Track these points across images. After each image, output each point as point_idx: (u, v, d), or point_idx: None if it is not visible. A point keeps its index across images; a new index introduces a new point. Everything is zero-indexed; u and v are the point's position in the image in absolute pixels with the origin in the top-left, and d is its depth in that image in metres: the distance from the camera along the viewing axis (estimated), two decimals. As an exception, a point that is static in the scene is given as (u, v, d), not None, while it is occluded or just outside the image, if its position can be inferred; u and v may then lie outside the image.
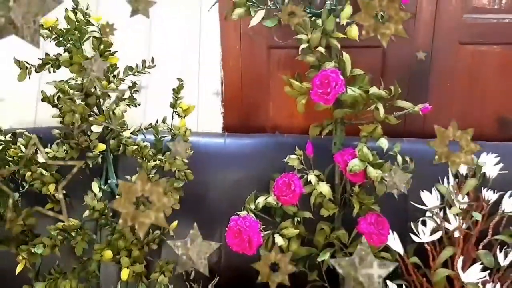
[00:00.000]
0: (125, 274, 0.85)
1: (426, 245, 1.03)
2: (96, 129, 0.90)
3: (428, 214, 1.04)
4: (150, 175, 0.93)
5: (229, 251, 1.05)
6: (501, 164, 1.04)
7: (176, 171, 0.96)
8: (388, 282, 1.05)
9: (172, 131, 1.03)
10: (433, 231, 1.02)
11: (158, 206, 0.48)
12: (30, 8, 0.43)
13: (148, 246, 0.93)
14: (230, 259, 1.16)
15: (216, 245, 0.56)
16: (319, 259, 1.01)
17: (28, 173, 0.86)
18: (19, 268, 0.83)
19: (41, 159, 0.89)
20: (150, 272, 0.96)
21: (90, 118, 0.90)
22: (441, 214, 1.05)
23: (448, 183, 1.05)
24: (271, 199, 1.02)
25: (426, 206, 1.03)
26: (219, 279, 1.08)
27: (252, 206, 1.02)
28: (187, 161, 0.97)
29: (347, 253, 1.05)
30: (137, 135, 1.01)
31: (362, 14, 0.56)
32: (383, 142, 1.01)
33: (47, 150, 0.90)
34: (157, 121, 1.05)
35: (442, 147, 0.62)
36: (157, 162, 0.92)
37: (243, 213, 0.99)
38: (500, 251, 1.01)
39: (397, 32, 0.56)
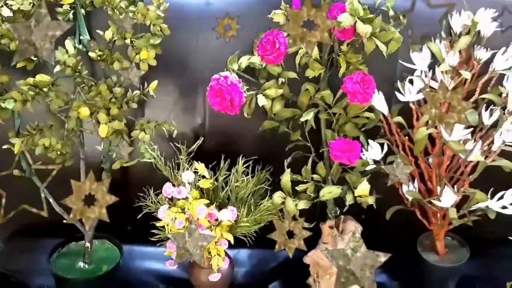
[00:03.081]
0: (103, 130, 0.85)
1: (411, 104, 1.02)
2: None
3: (416, 73, 1.01)
4: (124, 32, 0.87)
5: (214, 113, 1.04)
6: (498, 21, 0.99)
7: (151, 25, 0.90)
8: (370, 141, 1.06)
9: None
10: (420, 91, 1.00)
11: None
12: (48, 30, 0.51)
13: (127, 105, 0.92)
14: (214, 121, 1.15)
15: (211, 239, 0.61)
16: (301, 119, 1.01)
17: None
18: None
19: (5, 13, 0.83)
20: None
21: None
22: (430, 74, 1.02)
23: (440, 41, 1.01)
24: (255, 59, 0.98)
25: (415, 65, 1.00)
26: (204, 140, 1.09)
27: (235, 66, 0.99)
28: (162, 14, 0.91)
29: (331, 113, 1.05)
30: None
31: (290, 23, 0.59)
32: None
33: (10, 2, 0.84)
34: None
35: (433, 110, 0.60)
36: (130, 14, 0.85)
37: (226, 73, 0.95)
38: (486, 110, 1.01)
39: (322, 40, 0.59)
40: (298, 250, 1.11)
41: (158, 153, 1.08)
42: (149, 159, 1.01)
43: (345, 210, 1.09)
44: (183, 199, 1.04)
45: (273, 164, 1.14)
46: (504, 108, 0.98)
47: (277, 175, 1.09)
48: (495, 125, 0.99)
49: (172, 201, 1.06)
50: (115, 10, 0.86)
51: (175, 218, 1.00)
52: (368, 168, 1.08)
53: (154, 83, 0.96)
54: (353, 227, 1.15)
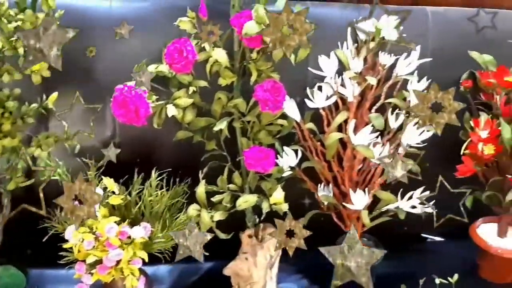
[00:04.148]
0: (-7, 148, 0.78)
1: (321, 111, 1.03)
2: None
3: (326, 80, 1.02)
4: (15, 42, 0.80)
5: (125, 124, 0.99)
6: (401, 28, 1.03)
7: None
8: (285, 147, 1.06)
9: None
10: (329, 97, 1.01)
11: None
12: (55, 37, 0.54)
13: (23, 120, 0.85)
14: (126, 133, 1.10)
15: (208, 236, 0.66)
16: (215, 128, 0.99)
17: None
18: None
19: None
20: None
21: None
22: (340, 80, 1.04)
23: (347, 48, 1.03)
24: (163, 67, 0.94)
25: (324, 72, 1.02)
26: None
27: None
28: (57, 22, 0.85)
29: (245, 121, 1.04)
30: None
31: (271, 28, 0.61)
32: (282, 4, 0.94)
33: None
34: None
35: (424, 110, 0.61)
36: (19, 23, 0.79)
37: (131, 83, 0.91)
38: (392, 114, 1.04)
39: (300, 43, 0.60)
40: (220, 261, 1.11)
41: (64, 169, 1.01)
42: (52, 176, 0.94)
43: (262, 218, 1.08)
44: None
45: (191, 175, 1.11)
46: (408, 111, 1.02)
47: (196, 187, 1.06)
48: (401, 128, 1.03)
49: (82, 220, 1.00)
50: (3, 18, 0.79)
51: (83, 239, 0.94)
52: (284, 174, 1.08)
53: (54, 95, 0.90)
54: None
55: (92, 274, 0.98)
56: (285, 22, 0.61)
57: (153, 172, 1.03)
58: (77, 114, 1.07)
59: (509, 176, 1.08)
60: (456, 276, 1.11)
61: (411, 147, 1.02)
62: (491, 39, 1.16)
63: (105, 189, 0.99)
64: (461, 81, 1.16)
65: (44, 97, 0.90)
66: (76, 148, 0.93)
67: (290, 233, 0.70)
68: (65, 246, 0.97)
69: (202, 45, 0.94)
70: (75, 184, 0.59)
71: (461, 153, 1.11)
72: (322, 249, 0.59)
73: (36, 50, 0.53)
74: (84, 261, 0.97)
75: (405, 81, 1.05)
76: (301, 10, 0.67)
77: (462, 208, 1.04)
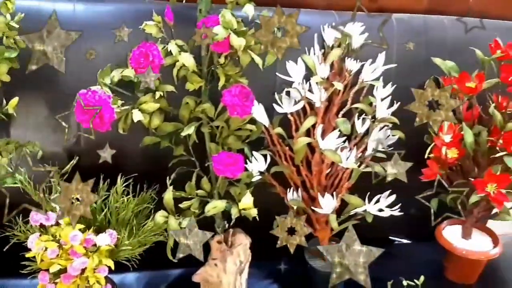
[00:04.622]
0: None
1: (289, 116, 1.04)
2: None
3: (293, 85, 1.03)
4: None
5: (89, 129, 0.97)
6: (366, 34, 1.04)
7: (4, 38, 0.81)
8: (254, 152, 1.06)
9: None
10: (297, 102, 1.02)
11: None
12: (59, 41, 0.56)
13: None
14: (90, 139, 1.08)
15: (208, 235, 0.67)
16: (183, 134, 0.98)
17: None
18: None
19: None
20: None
21: None
22: (307, 85, 1.05)
23: (314, 53, 1.04)
24: (129, 72, 0.93)
25: (291, 77, 1.02)
26: (79, 159, 1.01)
27: (107, 81, 0.93)
28: (16, 25, 0.82)
29: (214, 126, 1.03)
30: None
31: (263, 30, 0.63)
32: (249, 9, 0.94)
33: None
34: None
35: (421, 108, 0.62)
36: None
37: (95, 88, 0.89)
38: (358, 119, 1.06)
39: (292, 45, 0.62)
40: (189, 268, 1.10)
41: (26, 176, 0.98)
42: (13, 184, 0.92)
43: (232, 223, 1.07)
44: (55, 225, 0.95)
45: (158, 181, 1.09)
46: (374, 117, 1.04)
47: (164, 193, 1.05)
48: (368, 133, 1.05)
49: (45, 228, 0.97)
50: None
51: (46, 248, 0.91)
52: (254, 179, 1.08)
53: (14, 100, 0.87)
54: (243, 240, 1.14)
55: (56, 283, 0.96)
56: (277, 24, 0.62)
57: (119, 178, 1.02)
58: (41, 120, 1.05)
59: (472, 179, 1.11)
60: (422, 278, 1.13)
61: (377, 151, 1.04)
62: (454, 46, 1.19)
63: (69, 196, 0.96)
64: (425, 87, 1.18)
65: (4, 102, 0.87)
66: (38, 154, 0.90)
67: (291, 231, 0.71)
68: (27, 255, 0.94)
69: (169, 50, 0.93)
70: (72, 185, 0.62)
71: (426, 157, 1.13)
72: (320, 248, 0.59)
73: (40, 53, 0.55)
74: (47, 270, 0.94)
75: (372, 87, 1.07)
76: (293, 13, 0.69)
77: (432, 210, 1.05)
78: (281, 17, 0.64)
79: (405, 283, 1.14)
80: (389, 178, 0.86)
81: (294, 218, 0.70)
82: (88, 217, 0.66)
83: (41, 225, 0.96)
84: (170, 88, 0.97)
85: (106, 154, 0.86)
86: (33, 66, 0.58)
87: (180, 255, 0.66)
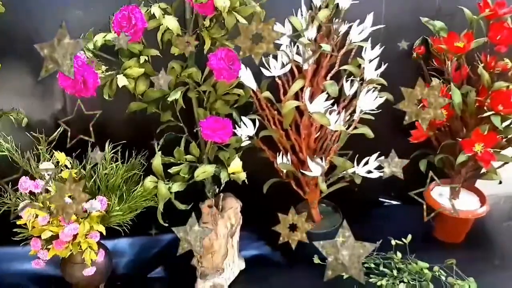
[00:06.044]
0: None
1: (277, 79, 1.03)
2: None
3: (281, 48, 1.02)
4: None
5: (74, 98, 0.96)
6: (354, -6, 1.02)
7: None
8: (243, 117, 1.06)
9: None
10: (285, 65, 1.01)
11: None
12: (68, 48, 0.59)
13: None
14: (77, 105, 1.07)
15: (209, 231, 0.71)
16: (169, 99, 0.97)
17: None
18: None
19: None
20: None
21: None
22: (295, 48, 1.03)
23: (302, 15, 1.02)
24: (111, 36, 0.91)
25: (279, 40, 1.01)
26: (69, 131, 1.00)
27: (90, 45, 0.91)
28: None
29: (201, 91, 1.02)
30: None
31: (242, 37, 0.66)
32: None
33: None
34: None
35: (411, 106, 0.61)
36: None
37: (80, 53, 0.87)
38: (347, 81, 1.05)
39: (268, 50, 0.66)
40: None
41: (13, 144, 0.98)
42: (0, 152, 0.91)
43: (222, 188, 1.08)
44: (45, 192, 0.95)
45: (147, 148, 1.09)
46: (362, 78, 1.03)
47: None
48: (356, 95, 1.04)
49: (35, 196, 0.97)
50: None
51: (36, 215, 0.92)
52: (243, 144, 1.08)
53: (-4, 66, 0.85)
54: (233, 204, 1.15)
55: (48, 249, 0.97)
56: (254, 31, 0.64)
57: (106, 145, 1.01)
58: (27, 86, 1.03)
59: (460, 140, 1.11)
60: (409, 237, 1.16)
61: (365, 113, 1.03)
62: (443, 6, 1.17)
63: (57, 163, 0.96)
64: (414, 47, 1.17)
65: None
66: (23, 122, 0.89)
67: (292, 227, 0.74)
68: (18, 222, 0.95)
69: (152, 13, 0.91)
70: (66, 184, 0.68)
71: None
72: (316, 243, 0.61)
73: (52, 60, 0.59)
74: (39, 237, 0.95)
75: (361, 48, 1.05)
76: (269, 21, 0.70)
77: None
78: (259, 24, 0.66)
79: (393, 242, 1.17)
80: (385, 176, 0.87)
81: (296, 215, 0.73)
82: (80, 215, 0.74)
83: (31, 192, 0.97)
84: (154, 52, 0.95)
85: (97, 156, 0.87)
86: (44, 73, 0.61)
87: (181, 251, 0.70)
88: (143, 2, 0.94)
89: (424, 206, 0.91)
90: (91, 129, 0.83)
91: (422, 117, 0.70)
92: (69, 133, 0.81)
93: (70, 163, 0.97)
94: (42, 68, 0.59)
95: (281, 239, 0.71)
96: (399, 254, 1.14)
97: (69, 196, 0.71)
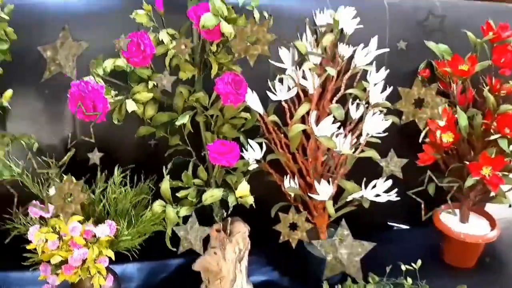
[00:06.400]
0: None
1: (283, 103, 1.04)
2: None
3: (287, 72, 1.03)
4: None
5: (84, 122, 0.98)
6: (358, 19, 1.04)
7: (-5, 30, 0.82)
8: (250, 141, 1.07)
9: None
10: (290, 89, 1.02)
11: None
12: (71, 50, 0.60)
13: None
14: (87, 129, 1.08)
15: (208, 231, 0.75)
16: (177, 123, 0.98)
17: None
18: None
19: None
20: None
21: None
22: (301, 72, 1.05)
23: (307, 39, 1.04)
24: (121, 62, 0.93)
25: (284, 64, 1.03)
26: (76, 151, 1.02)
27: (100, 71, 0.93)
28: (6, 17, 0.83)
29: (208, 115, 1.04)
30: None
31: (237, 39, 0.67)
32: (240, -3, 0.94)
33: None
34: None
35: (408, 106, 0.64)
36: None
37: (87, 78, 0.89)
38: (352, 104, 1.06)
39: (263, 52, 0.67)
40: (189, 257, 1.11)
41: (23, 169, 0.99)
42: (11, 176, 0.92)
43: (229, 212, 1.08)
44: (55, 217, 0.96)
45: (156, 172, 1.10)
46: (367, 102, 1.04)
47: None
48: (362, 118, 1.05)
49: (44, 220, 0.98)
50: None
51: (46, 239, 0.92)
52: (250, 168, 1.08)
53: (8, 92, 0.88)
54: (241, 228, 1.15)
55: (58, 274, 0.97)
56: (249, 33, 0.66)
57: (116, 169, 1.02)
58: (37, 111, 1.05)
59: (468, 163, 1.11)
60: (419, 262, 1.14)
61: (372, 136, 1.04)
62: (446, 29, 1.19)
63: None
64: (419, 70, 1.18)
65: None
66: (34, 147, 0.91)
67: (293, 226, 0.73)
68: (28, 247, 0.95)
69: (160, 39, 0.93)
70: (65, 185, 0.70)
71: (420, 141, 1.13)
72: (315, 242, 0.61)
73: (54, 62, 0.59)
74: (49, 261, 0.95)
75: (365, 72, 1.06)
76: (264, 22, 0.71)
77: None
78: (253, 26, 0.66)
79: (403, 267, 1.15)
80: (386, 174, 0.87)
81: (296, 214, 0.72)
82: (78, 214, 0.72)
83: (41, 217, 0.98)
84: (163, 77, 0.97)
85: (94, 157, 0.88)
86: (47, 74, 0.62)
87: (182, 249, 0.69)
88: (151, 28, 0.97)
89: (422, 206, 0.90)
90: (91, 129, 0.83)
91: (419, 116, 0.70)
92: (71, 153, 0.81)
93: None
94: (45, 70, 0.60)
95: (281, 238, 0.71)
96: (409, 280, 1.12)
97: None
